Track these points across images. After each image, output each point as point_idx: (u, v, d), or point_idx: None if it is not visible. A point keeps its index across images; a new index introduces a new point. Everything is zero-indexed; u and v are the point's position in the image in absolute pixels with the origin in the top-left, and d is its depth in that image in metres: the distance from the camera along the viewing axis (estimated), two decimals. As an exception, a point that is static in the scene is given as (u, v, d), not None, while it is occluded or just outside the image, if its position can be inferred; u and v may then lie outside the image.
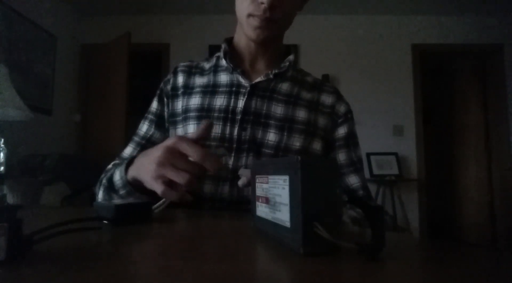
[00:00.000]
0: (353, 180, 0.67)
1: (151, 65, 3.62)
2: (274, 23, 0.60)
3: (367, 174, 2.92)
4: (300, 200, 0.24)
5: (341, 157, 0.68)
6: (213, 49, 3.07)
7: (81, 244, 0.29)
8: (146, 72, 4.01)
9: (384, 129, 3.14)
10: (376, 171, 2.97)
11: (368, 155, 3.02)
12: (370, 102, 3.15)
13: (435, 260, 0.26)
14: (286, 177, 0.27)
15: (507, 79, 3.20)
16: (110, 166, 0.71)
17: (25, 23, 2.41)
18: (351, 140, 0.70)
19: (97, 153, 2.84)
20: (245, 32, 0.64)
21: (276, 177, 0.29)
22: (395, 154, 3.07)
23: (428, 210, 3.15)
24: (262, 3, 0.57)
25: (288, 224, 0.26)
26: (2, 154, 0.69)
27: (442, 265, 0.23)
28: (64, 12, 2.93)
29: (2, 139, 0.68)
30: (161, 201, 0.46)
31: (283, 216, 0.27)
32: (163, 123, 0.70)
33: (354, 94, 3.15)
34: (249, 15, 0.60)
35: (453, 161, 3.75)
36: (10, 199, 1.64)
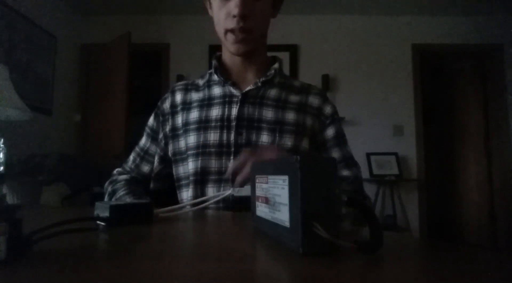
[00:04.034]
0: (345, 173, 0.72)
1: (151, 65, 3.61)
2: (249, 33, 0.67)
3: (367, 174, 2.92)
4: (300, 200, 0.24)
5: (334, 154, 0.74)
6: (213, 49, 3.07)
7: (79, 244, 0.29)
8: (146, 72, 4.01)
9: (384, 129, 3.14)
10: (376, 171, 2.97)
11: (368, 155, 3.02)
12: (370, 102, 3.15)
13: (435, 260, 0.26)
14: (286, 177, 0.27)
15: (507, 79, 3.19)
16: (114, 172, 0.80)
17: (25, 23, 2.41)
18: (341, 139, 0.76)
19: (97, 153, 2.84)
20: (228, 48, 0.72)
21: (276, 177, 0.29)
22: (395, 154, 3.06)
23: (428, 210, 3.15)
24: (234, 16, 0.64)
25: (287, 224, 0.26)
26: (2, 154, 0.69)
27: (442, 265, 0.23)
28: (64, 12, 2.93)
29: (2, 139, 0.68)
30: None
31: (283, 216, 0.27)
32: (157, 138, 0.78)
33: (354, 94, 3.15)
34: (227, 31, 0.67)
35: (453, 161, 3.74)
36: (10, 199, 1.64)
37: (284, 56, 3.12)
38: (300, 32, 3.20)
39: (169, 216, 0.45)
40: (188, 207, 0.56)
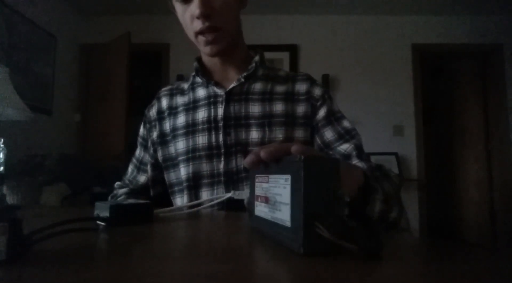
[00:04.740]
0: (344, 147, 0.68)
1: (151, 65, 3.61)
2: (218, 31, 0.64)
3: (367, 174, 2.91)
4: (302, 199, 0.24)
5: (327, 134, 0.69)
6: (213, 49, 3.07)
7: (79, 244, 0.29)
8: (146, 72, 4.00)
9: (384, 129, 3.14)
10: (376, 171, 2.97)
11: (368, 155, 3.01)
12: (370, 102, 3.15)
13: (435, 260, 0.26)
14: (288, 176, 0.27)
15: (507, 79, 3.19)
16: (115, 185, 0.80)
17: (25, 23, 2.41)
18: (333, 117, 0.71)
19: (97, 153, 2.84)
20: (202, 51, 0.69)
21: (278, 176, 0.29)
22: (395, 154, 3.06)
23: (428, 210, 3.15)
24: (197, 17, 0.61)
25: (288, 224, 0.26)
26: (2, 154, 0.69)
27: (442, 265, 0.23)
28: (64, 12, 2.92)
29: (2, 139, 0.68)
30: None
31: (284, 215, 0.27)
32: (147, 146, 0.78)
33: (354, 94, 3.15)
34: (196, 35, 0.65)
35: (453, 161, 3.74)
36: (10, 199, 1.64)
37: (284, 56, 3.12)
38: (300, 32, 3.19)
39: (168, 216, 0.45)
40: (186, 209, 0.56)
